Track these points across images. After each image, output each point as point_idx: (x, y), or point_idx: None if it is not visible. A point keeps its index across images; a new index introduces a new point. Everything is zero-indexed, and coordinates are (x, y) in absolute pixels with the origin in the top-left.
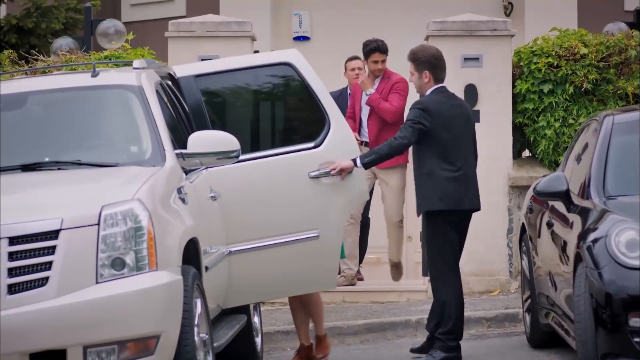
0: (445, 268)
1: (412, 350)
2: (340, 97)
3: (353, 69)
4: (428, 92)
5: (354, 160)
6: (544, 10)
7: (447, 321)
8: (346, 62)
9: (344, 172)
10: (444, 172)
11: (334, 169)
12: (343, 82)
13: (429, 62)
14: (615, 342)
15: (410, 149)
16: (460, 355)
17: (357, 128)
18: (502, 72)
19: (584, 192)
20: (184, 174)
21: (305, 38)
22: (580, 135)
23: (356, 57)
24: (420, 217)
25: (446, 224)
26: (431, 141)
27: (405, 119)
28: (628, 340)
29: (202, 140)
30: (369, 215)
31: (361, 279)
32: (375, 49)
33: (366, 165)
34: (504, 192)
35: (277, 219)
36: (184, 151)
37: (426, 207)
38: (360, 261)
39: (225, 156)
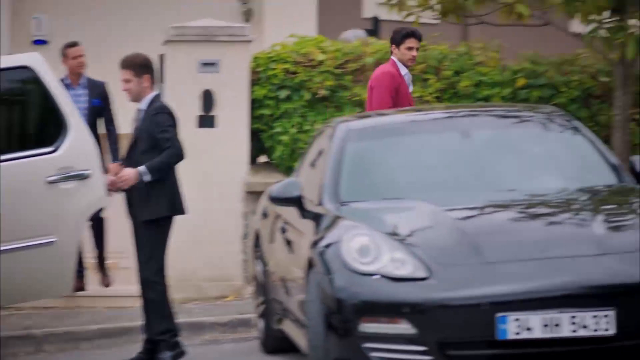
0: (161, 271)
1: None
2: None
3: (75, 57)
4: (149, 97)
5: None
6: (284, 17)
7: (163, 320)
8: (66, 48)
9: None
10: (173, 177)
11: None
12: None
13: (148, 67)
14: (346, 348)
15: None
16: (184, 349)
17: None
18: (240, 78)
19: (318, 198)
20: None
21: (43, 42)
22: (315, 141)
23: (76, 44)
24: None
25: (168, 229)
26: None
27: (157, 125)
28: (358, 346)
29: None
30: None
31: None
32: (410, 34)
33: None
34: (239, 197)
35: (10, 224)
36: None
37: (160, 214)
38: (102, 265)
39: None
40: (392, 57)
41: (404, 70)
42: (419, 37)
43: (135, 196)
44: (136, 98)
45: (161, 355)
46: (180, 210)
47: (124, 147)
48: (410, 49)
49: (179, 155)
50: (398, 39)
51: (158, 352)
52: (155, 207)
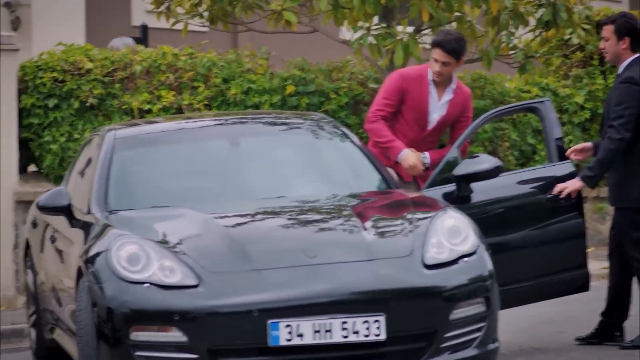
0: None
1: None
2: None
3: None
4: None
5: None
6: (52, 25)
7: None
8: None
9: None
10: None
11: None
12: None
13: None
14: (117, 357)
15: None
16: None
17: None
18: (7, 87)
19: (87, 207)
20: None
21: None
22: (83, 149)
23: None
24: None
25: None
26: None
27: None
28: (130, 355)
29: None
30: None
31: None
32: (436, 44)
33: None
34: (10, 207)
35: None
36: None
37: None
38: None
39: None
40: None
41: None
42: (448, 50)
43: None
44: None
45: None
46: None
47: None
48: (435, 61)
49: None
50: (432, 45)
51: None
52: None
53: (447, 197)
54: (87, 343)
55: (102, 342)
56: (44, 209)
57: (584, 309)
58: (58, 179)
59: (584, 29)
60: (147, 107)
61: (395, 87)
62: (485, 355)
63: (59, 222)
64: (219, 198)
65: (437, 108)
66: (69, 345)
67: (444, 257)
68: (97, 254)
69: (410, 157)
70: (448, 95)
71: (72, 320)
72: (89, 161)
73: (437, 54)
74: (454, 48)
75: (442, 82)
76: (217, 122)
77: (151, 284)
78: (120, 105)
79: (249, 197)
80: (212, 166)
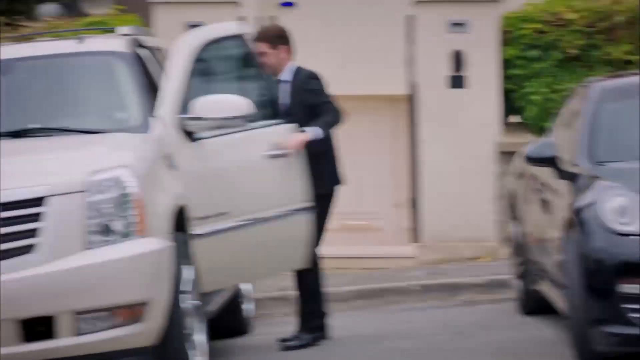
0: (318, 250)
1: (283, 340)
2: None
3: None
4: (290, 68)
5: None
6: None
7: (318, 301)
8: None
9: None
10: (333, 149)
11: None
12: (329, 48)
13: (283, 37)
14: (606, 309)
15: None
16: (326, 333)
17: None
18: (489, 38)
19: (574, 159)
20: (178, 140)
21: (290, 4)
22: (570, 101)
23: None
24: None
25: (329, 205)
26: None
27: (312, 92)
28: (618, 307)
29: (208, 104)
30: None
31: None
32: None
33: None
34: (492, 158)
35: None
36: (184, 116)
37: (321, 190)
38: None
39: (232, 121)
40: None
41: None
42: None
43: None
44: (274, 70)
45: (300, 335)
46: (340, 183)
47: None
48: None
49: (339, 115)
50: None
51: (299, 330)
52: (318, 182)
53: None
54: (574, 295)
55: (590, 294)
56: (531, 159)
57: None
58: (539, 130)
59: None
60: (628, 57)
61: None
62: None
63: (545, 173)
64: None
65: None
66: (555, 296)
67: None
68: (586, 206)
69: None
70: None
71: (558, 271)
72: (574, 113)
73: None
74: None
75: None
76: None
77: None
78: (602, 56)
79: None
80: None
